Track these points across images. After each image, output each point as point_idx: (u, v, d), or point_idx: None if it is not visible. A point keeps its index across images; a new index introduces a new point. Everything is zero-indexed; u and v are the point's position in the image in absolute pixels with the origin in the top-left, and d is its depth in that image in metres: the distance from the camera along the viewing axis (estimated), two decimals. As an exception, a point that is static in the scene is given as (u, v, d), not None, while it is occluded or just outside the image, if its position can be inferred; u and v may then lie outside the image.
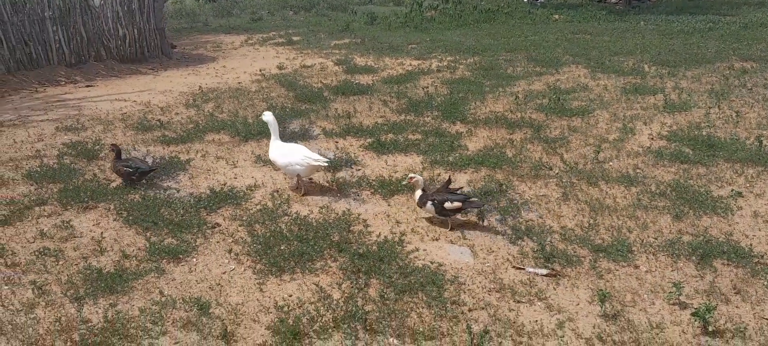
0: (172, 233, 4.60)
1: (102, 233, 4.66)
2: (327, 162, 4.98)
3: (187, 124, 7.77)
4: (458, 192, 4.50)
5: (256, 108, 8.55)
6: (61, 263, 4.19)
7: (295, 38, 16.11)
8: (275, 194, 5.42)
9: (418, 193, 4.56)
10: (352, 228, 4.64)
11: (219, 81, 10.81)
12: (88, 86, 10.94)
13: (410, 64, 11.77)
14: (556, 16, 17.58)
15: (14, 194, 5.51)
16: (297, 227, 4.65)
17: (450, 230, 4.57)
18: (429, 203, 4.46)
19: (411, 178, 4.62)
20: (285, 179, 5.71)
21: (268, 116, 5.30)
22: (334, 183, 5.51)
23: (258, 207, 5.11)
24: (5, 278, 3.92)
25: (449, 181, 4.67)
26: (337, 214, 4.91)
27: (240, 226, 4.75)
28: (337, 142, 6.99)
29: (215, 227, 4.73)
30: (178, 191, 5.47)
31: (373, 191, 5.41)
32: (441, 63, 11.74)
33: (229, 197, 5.24)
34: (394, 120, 7.78)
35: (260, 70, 11.53)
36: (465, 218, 4.80)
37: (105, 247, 4.40)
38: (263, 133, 7.13)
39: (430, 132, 7.14)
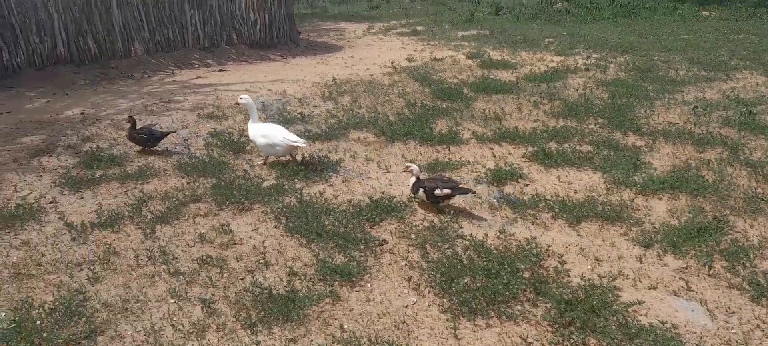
0: (338, 247, 4.12)
1: (263, 241, 4.26)
2: (305, 143, 5.29)
3: (327, 119, 7.37)
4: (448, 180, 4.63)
5: (394, 104, 8.02)
6: (225, 275, 3.82)
7: (418, 28, 15.52)
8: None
9: (412, 180, 4.74)
10: (543, 262, 3.93)
11: (350, 72, 10.42)
12: (220, 70, 10.94)
13: (551, 61, 10.80)
14: (705, 13, 15.75)
15: (167, 186, 5.29)
16: (476, 255, 4.01)
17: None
18: (421, 191, 4.62)
19: (407, 167, 4.84)
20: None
21: (245, 99, 5.58)
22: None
23: (424, 223, 4.52)
24: (171, 291, 3.58)
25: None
26: (519, 242, 4.22)
27: (410, 246, 4.19)
28: (491, 148, 6.29)
29: (383, 245, 4.20)
30: (335, 197, 5.01)
31: (553, 214, 4.67)
32: (587, 61, 10.67)
33: (390, 209, 4.70)
34: (552, 125, 6.96)
35: (391, 62, 11.02)
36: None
37: (269, 260, 3.99)
38: (409, 134, 6.59)
39: (600, 143, 6.26)
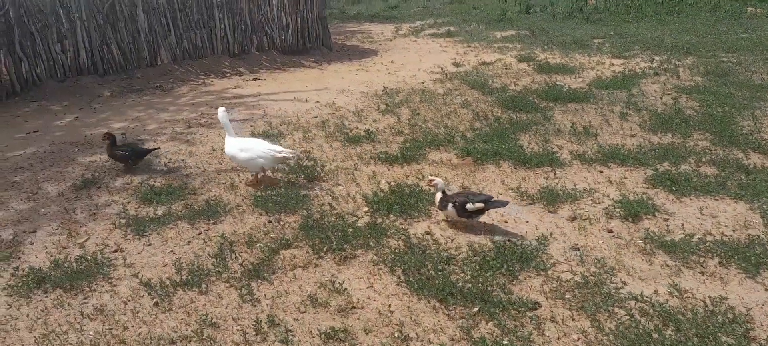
0: (484, 313, 3.35)
1: (389, 304, 3.49)
2: (293, 153, 4.96)
3: (395, 136, 6.61)
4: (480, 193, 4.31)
5: (461, 117, 7.27)
6: (361, 358, 3.04)
7: (452, 29, 14.74)
8: (579, 251, 4.06)
9: (439, 196, 4.32)
10: (750, 333, 3.17)
11: (396, 80, 9.65)
12: (255, 79, 10.16)
13: (612, 64, 10.05)
14: (752, 9, 15.02)
15: (246, 227, 4.51)
16: (661, 322, 3.24)
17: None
18: (449, 206, 4.23)
19: (430, 181, 4.41)
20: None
21: (221, 114, 5.11)
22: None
23: (572, 276, 3.76)
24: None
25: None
26: (702, 302, 3.46)
27: (571, 310, 3.41)
28: (600, 171, 5.53)
29: (535, 309, 3.42)
30: (451, 240, 4.24)
31: (720, 260, 3.91)
32: (651, 64, 9.93)
33: (523, 256, 3.93)
34: (655, 141, 6.21)
35: (440, 68, 10.27)
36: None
37: (407, 333, 3.21)
38: (498, 154, 5.84)
39: (722, 164, 5.52)
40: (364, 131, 6.71)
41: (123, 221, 4.59)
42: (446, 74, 9.86)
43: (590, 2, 16.40)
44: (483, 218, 4.43)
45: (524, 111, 7.46)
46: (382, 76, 10.10)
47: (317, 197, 5.05)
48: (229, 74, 10.66)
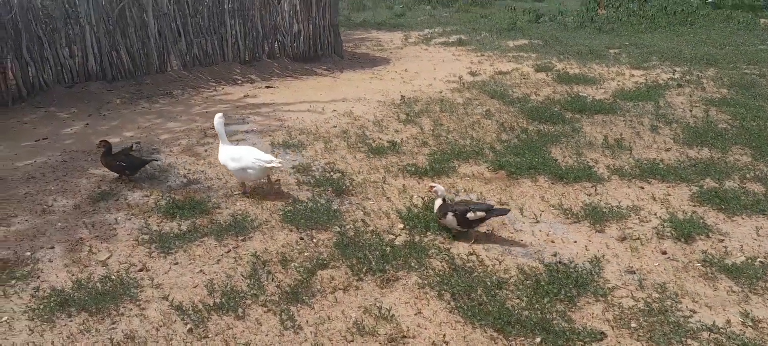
0: (547, 345, 3.09)
1: (442, 334, 3.24)
2: (280, 163, 4.82)
3: (419, 147, 6.38)
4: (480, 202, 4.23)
5: (485, 127, 7.05)
6: (422, 394, 2.77)
7: (463, 38, 14.54)
8: (636, 274, 3.81)
9: (438, 203, 4.21)
10: None
11: (412, 88, 9.43)
12: (268, 87, 9.90)
13: (632, 75, 9.86)
14: (765, 21, 14.89)
15: (277, 245, 4.25)
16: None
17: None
18: (449, 215, 4.12)
19: (431, 187, 4.31)
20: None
21: (217, 120, 5.04)
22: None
23: (634, 303, 3.51)
24: None
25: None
26: (780, 331, 3.21)
27: (640, 341, 3.17)
28: (641, 187, 5.30)
29: (601, 339, 3.17)
30: (498, 262, 3.99)
31: (789, 285, 3.66)
32: (673, 75, 9.72)
33: (579, 281, 3.68)
34: (692, 156, 5.99)
35: (458, 77, 10.06)
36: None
37: (468, 366, 2.95)
38: (532, 167, 5.60)
39: (769, 181, 5.29)
40: (388, 142, 6.47)
41: (146, 237, 4.33)
42: (464, 83, 9.63)
43: (601, 12, 16.23)
44: (482, 227, 4.33)
45: (551, 122, 7.23)
46: (397, 85, 9.86)
47: (348, 212, 4.79)
48: (240, 81, 10.41)
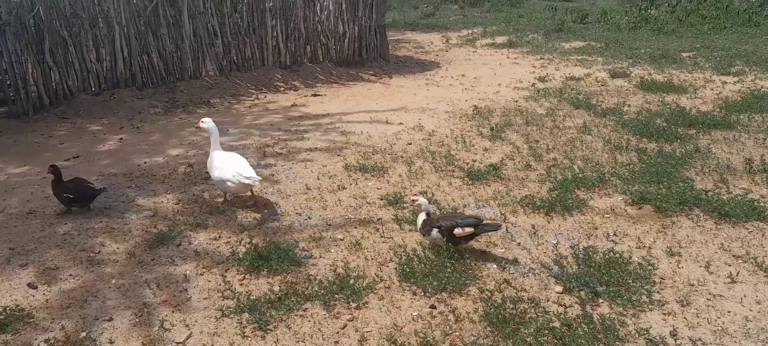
0: None
1: None
2: (258, 180, 4.38)
3: (524, 171, 5.37)
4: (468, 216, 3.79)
5: (588, 145, 6.07)
6: None
7: (512, 39, 13.51)
8: None
9: (422, 218, 3.83)
10: None
11: (477, 96, 8.43)
12: (315, 95, 8.88)
13: (724, 82, 8.82)
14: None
15: (406, 317, 3.20)
16: None
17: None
18: (435, 231, 3.73)
19: (413, 201, 3.92)
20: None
21: (209, 123, 4.70)
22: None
23: None
24: None
25: None
26: None
27: None
28: (826, 227, 4.22)
29: None
30: (647, 332, 2.92)
31: None
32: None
33: None
34: None
35: (522, 83, 9.08)
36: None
37: None
38: (685, 202, 4.54)
39: None
40: (488, 166, 5.41)
41: (232, 305, 3.27)
42: (538, 90, 8.61)
43: (652, 13, 15.15)
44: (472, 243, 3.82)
45: (663, 139, 6.18)
46: (459, 93, 8.84)
47: (477, 265, 3.73)
48: (282, 88, 9.40)
